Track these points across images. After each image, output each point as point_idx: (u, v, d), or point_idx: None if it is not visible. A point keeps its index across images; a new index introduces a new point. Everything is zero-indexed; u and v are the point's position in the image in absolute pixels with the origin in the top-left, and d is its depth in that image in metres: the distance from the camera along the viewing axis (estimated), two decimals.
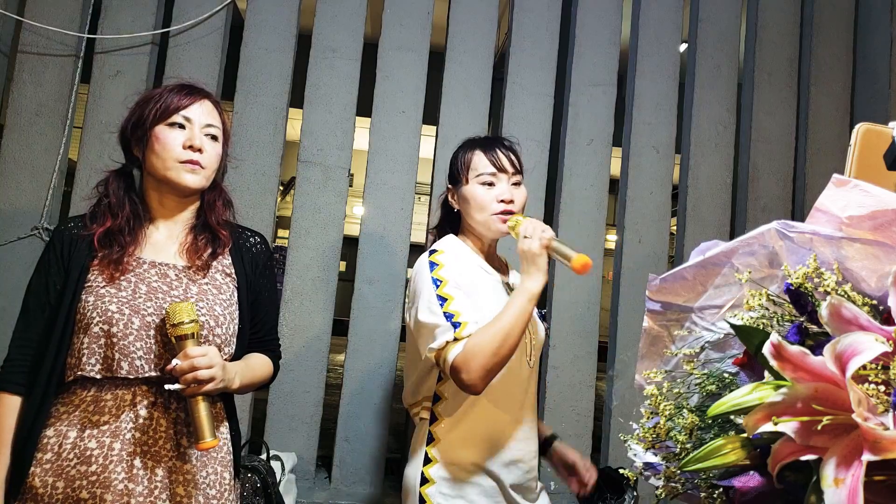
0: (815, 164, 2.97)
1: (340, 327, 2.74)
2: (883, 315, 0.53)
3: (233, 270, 1.28)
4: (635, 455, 0.72)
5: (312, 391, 2.58)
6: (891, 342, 0.48)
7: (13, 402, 1.17)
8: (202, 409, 1.10)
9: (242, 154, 2.62)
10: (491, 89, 2.82)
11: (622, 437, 0.76)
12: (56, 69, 2.56)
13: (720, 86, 2.97)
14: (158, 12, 2.68)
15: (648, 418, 0.69)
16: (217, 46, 2.67)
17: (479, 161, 1.40)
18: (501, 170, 1.39)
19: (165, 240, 1.26)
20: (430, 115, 2.78)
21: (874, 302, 0.54)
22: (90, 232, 1.21)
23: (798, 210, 2.95)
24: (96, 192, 1.27)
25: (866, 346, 0.47)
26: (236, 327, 1.25)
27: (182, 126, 1.21)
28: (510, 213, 1.37)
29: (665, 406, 0.66)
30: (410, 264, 2.79)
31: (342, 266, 3.23)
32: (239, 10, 5.46)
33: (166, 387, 1.10)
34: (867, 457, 0.46)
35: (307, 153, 2.69)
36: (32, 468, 1.13)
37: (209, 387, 1.10)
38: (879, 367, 0.49)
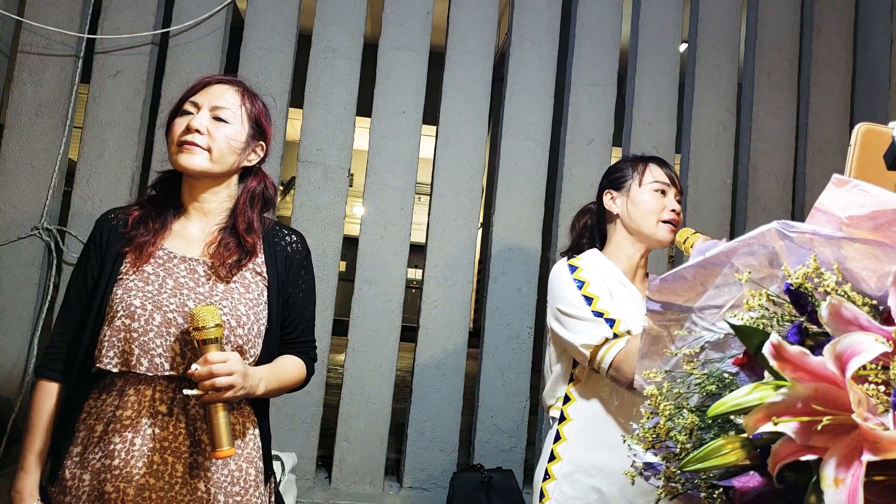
0: (815, 164, 2.97)
1: (340, 327, 2.74)
2: (883, 315, 0.53)
3: (264, 269, 1.26)
4: (635, 455, 0.72)
5: (312, 391, 2.58)
6: (891, 342, 0.48)
7: (51, 389, 1.20)
8: (220, 416, 1.08)
9: None
10: (491, 89, 2.82)
11: (622, 437, 0.76)
12: (56, 69, 2.56)
13: (720, 86, 2.97)
14: (158, 12, 2.68)
15: (648, 418, 0.69)
16: (217, 46, 2.67)
17: (656, 170, 1.46)
18: (673, 183, 1.47)
19: (198, 235, 1.25)
20: (430, 115, 2.78)
21: (874, 302, 0.54)
22: (128, 215, 1.24)
23: (798, 210, 2.95)
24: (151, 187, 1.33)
25: (866, 346, 0.47)
26: (262, 328, 1.22)
27: (190, 113, 1.22)
28: (677, 223, 1.45)
29: (665, 406, 0.66)
30: (410, 264, 2.80)
31: (342, 266, 3.23)
32: (239, 10, 5.47)
33: (184, 392, 1.09)
34: (867, 457, 0.45)
35: (307, 153, 2.69)
36: (65, 460, 1.15)
37: (228, 394, 1.08)
38: (879, 368, 0.48)
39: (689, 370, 0.66)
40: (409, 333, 2.71)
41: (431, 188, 2.77)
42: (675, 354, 0.70)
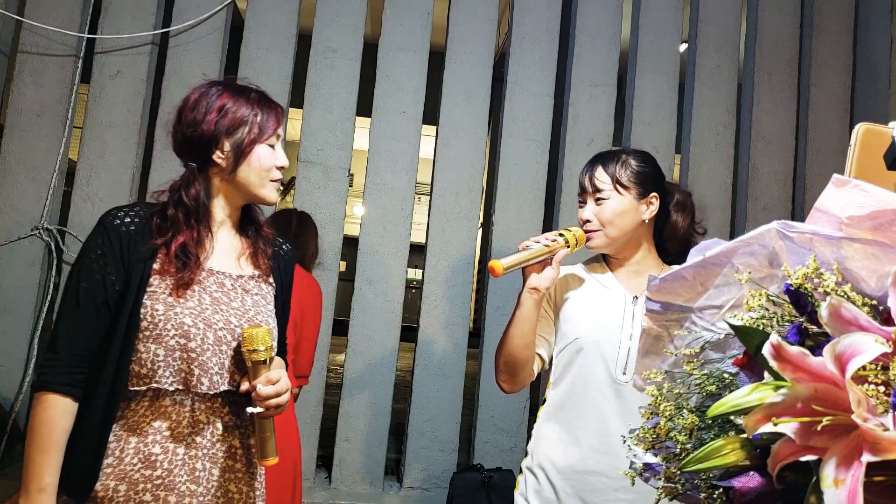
0: (815, 164, 2.97)
1: (340, 327, 2.73)
2: (883, 315, 0.53)
3: (272, 278, 1.31)
4: (635, 456, 0.72)
5: (312, 391, 2.58)
6: (890, 343, 0.48)
7: (65, 404, 1.13)
8: (270, 429, 1.16)
9: None
10: (491, 89, 2.82)
11: (622, 437, 0.76)
12: (56, 69, 2.56)
13: (720, 86, 2.97)
14: (158, 12, 2.68)
15: (648, 418, 0.69)
16: (217, 46, 2.67)
17: (579, 184, 1.50)
18: (583, 190, 1.46)
19: (221, 247, 1.26)
20: (430, 115, 2.78)
21: (874, 302, 0.54)
22: (159, 242, 1.17)
23: (798, 210, 2.95)
24: (171, 194, 1.20)
25: (866, 346, 0.47)
26: (277, 335, 1.30)
27: (273, 145, 1.26)
28: (591, 231, 1.42)
29: (665, 406, 0.65)
30: (410, 264, 2.80)
31: (342, 266, 3.23)
32: (239, 10, 5.46)
33: (248, 410, 1.14)
34: (867, 457, 0.45)
35: (307, 153, 2.69)
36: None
37: (284, 409, 1.17)
38: (879, 368, 0.48)
39: (689, 370, 0.66)
40: (409, 333, 2.71)
41: (431, 188, 2.77)
42: (675, 354, 0.70)
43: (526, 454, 1.49)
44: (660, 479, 0.67)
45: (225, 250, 1.26)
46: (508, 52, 2.87)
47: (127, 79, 2.59)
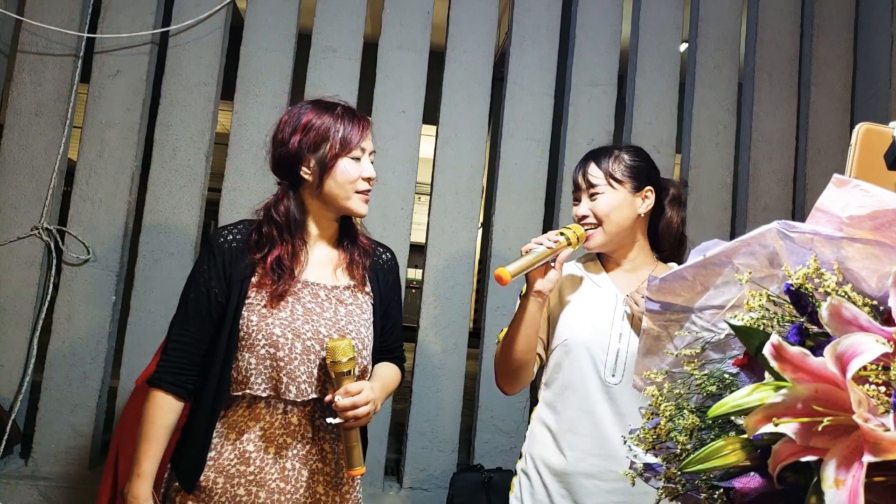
0: (815, 164, 2.97)
1: None
2: (883, 316, 0.53)
3: (370, 288, 1.34)
4: (635, 456, 0.72)
5: None
6: (891, 343, 0.48)
7: (169, 402, 1.23)
8: (355, 439, 1.20)
9: (242, 154, 2.62)
10: (491, 89, 2.82)
11: (622, 438, 0.76)
12: (56, 69, 2.56)
13: (720, 86, 2.97)
14: (158, 12, 2.68)
15: (649, 419, 0.69)
16: (217, 46, 2.67)
17: (574, 181, 1.49)
18: (577, 188, 1.46)
19: (316, 259, 1.30)
20: (430, 115, 2.77)
21: (874, 302, 0.54)
22: (257, 258, 1.25)
23: (798, 210, 2.95)
24: (265, 211, 1.28)
25: (867, 346, 0.47)
26: (372, 345, 1.32)
27: (359, 158, 1.28)
28: (588, 227, 1.42)
29: (665, 407, 0.65)
30: (410, 264, 2.80)
31: None
32: (239, 9, 5.45)
33: (328, 420, 1.19)
34: (868, 458, 0.45)
35: None
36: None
37: (364, 420, 1.20)
38: (880, 368, 0.48)
39: (689, 371, 0.66)
40: (408, 333, 2.70)
41: (431, 188, 2.77)
42: (675, 354, 0.70)
43: (520, 456, 1.49)
44: (660, 479, 0.67)
45: (321, 262, 1.30)
46: (508, 52, 2.87)
47: (126, 78, 2.59)
